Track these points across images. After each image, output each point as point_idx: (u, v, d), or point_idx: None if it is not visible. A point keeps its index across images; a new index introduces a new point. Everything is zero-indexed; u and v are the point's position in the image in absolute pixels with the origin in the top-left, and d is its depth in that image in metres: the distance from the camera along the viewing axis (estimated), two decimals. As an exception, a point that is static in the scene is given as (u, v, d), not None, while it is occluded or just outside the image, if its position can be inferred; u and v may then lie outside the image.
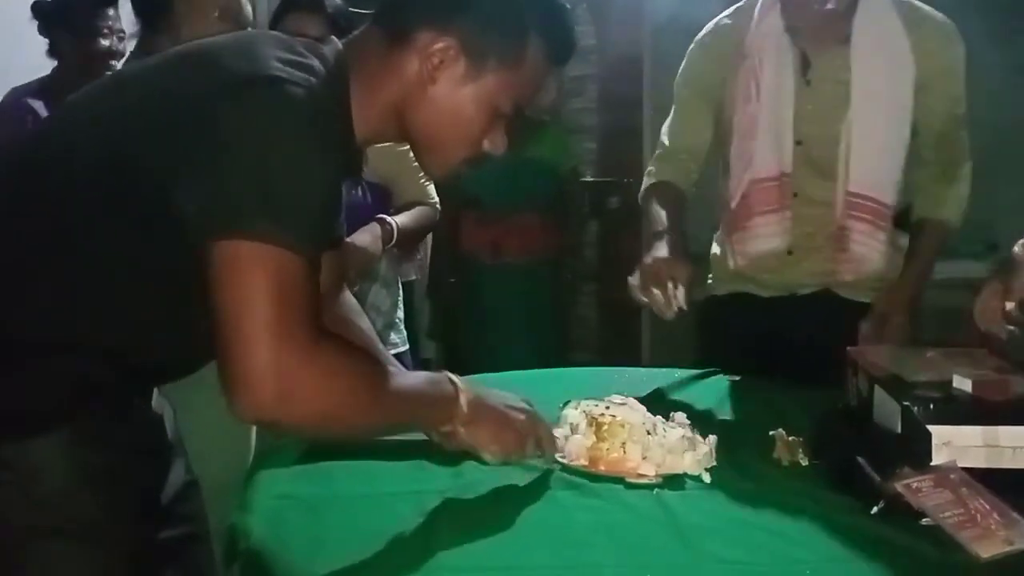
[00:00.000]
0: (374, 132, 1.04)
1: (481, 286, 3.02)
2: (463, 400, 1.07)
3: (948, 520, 0.93)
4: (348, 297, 1.27)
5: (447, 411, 1.07)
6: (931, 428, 1.05)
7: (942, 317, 2.32)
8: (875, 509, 0.99)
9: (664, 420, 1.18)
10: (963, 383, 1.11)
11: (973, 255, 2.63)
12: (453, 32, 0.99)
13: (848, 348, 1.34)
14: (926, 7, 1.58)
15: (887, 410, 1.15)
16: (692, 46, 1.70)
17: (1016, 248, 1.39)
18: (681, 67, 1.70)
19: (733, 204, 1.60)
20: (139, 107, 0.96)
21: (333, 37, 1.04)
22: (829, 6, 1.48)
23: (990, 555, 0.89)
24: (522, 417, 1.12)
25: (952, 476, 1.00)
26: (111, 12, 2.47)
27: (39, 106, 2.31)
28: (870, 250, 1.54)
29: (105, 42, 2.42)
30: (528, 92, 1.06)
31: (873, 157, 1.53)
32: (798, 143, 1.56)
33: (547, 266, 3.06)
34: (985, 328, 1.31)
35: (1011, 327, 1.29)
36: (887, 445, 1.11)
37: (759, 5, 1.59)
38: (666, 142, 1.70)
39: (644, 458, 1.08)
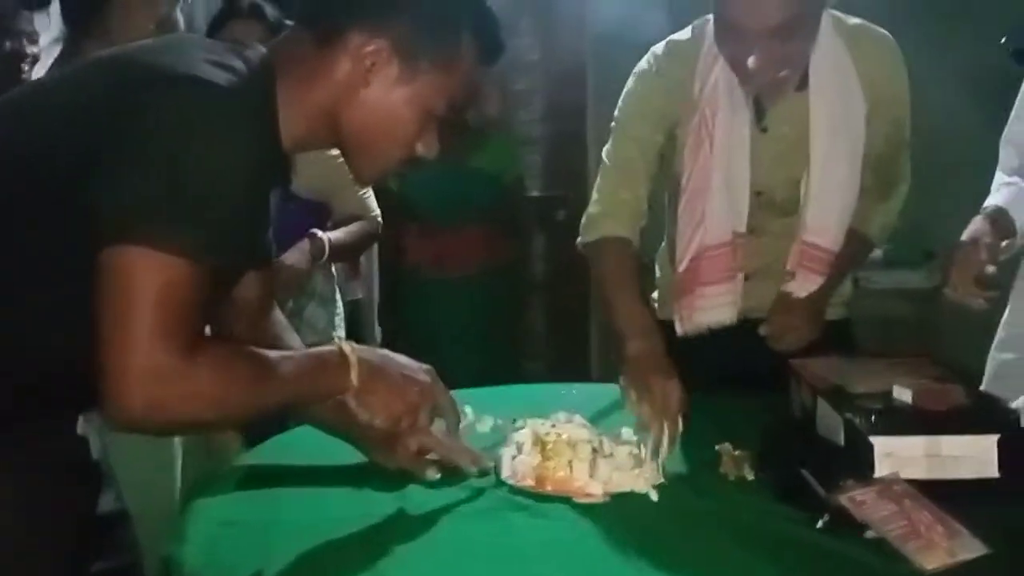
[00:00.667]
0: (303, 137, 1.00)
1: (428, 300, 2.99)
2: (354, 369, 1.02)
3: (892, 532, 0.93)
4: (277, 314, 1.23)
5: (336, 381, 1.01)
6: (873, 440, 1.06)
7: (882, 326, 2.37)
8: (820, 523, 0.99)
9: (611, 437, 1.17)
10: (903, 393, 1.12)
11: (910, 264, 2.70)
12: (385, 34, 0.97)
13: (790, 360, 1.35)
14: (863, 24, 1.49)
15: (830, 422, 1.16)
16: (636, 78, 1.52)
17: (975, 221, 1.41)
18: (625, 102, 1.53)
19: (681, 267, 1.48)
20: (57, 106, 0.92)
21: (256, 43, 1.01)
22: (783, 73, 1.37)
23: (934, 567, 0.89)
24: (418, 385, 1.08)
25: (895, 488, 1.01)
26: (24, 13, 2.44)
27: None
28: (807, 291, 1.48)
29: (12, 44, 2.40)
30: (461, 94, 1.05)
31: (831, 209, 1.45)
32: (758, 193, 1.47)
33: (494, 278, 3.04)
34: (962, 297, 1.32)
35: (989, 293, 1.31)
36: (831, 457, 1.11)
37: (704, 48, 1.44)
38: (612, 176, 1.51)
39: (591, 476, 1.07)
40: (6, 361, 0.91)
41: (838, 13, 1.45)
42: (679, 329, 1.48)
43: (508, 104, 3.19)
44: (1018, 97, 1.56)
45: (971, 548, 0.92)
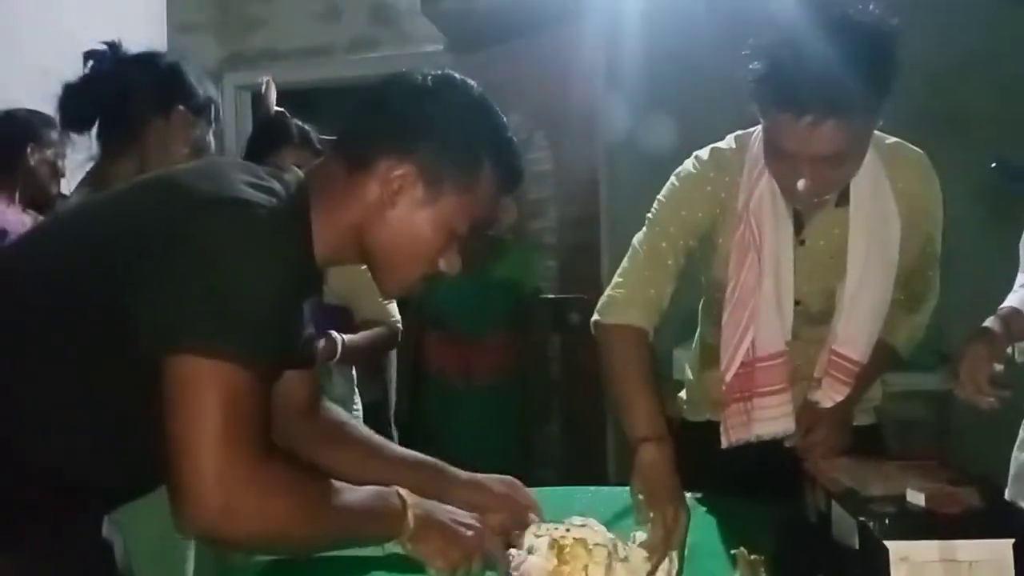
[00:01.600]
0: (334, 253, 1.08)
1: (450, 407, 3.01)
2: (410, 515, 1.07)
3: (909, 639, 0.93)
4: (330, 407, 1.30)
5: (394, 526, 1.07)
6: (888, 544, 1.06)
7: (896, 427, 2.36)
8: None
9: (625, 540, 1.17)
10: (916, 497, 1.12)
11: (925, 367, 2.70)
12: (412, 160, 1.06)
13: (804, 463, 1.36)
14: (899, 142, 1.52)
15: (844, 526, 1.15)
16: (678, 180, 1.54)
17: (988, 321, 1.44)
18: (664, 200, 1.53)
19: (728, 376, 1.48)
20: (100, 226, 1.00)
21: (293, 166, 1.09)
22: (828, 196, 1.42)
23: (952, 674, 0.88)
24: (470, 532, 1.12)
25: (912, 593, 1.00)
26: (52, 128, 2.59)
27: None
28: (833, 400, 1.50)
29: (39, 157, 2.54)
30: (481, 215, 1.12)
31: (862, 321, 1.47)
32: (796, 303, 1.49)
33: (513, 383, 3.06)
34: (972, 396, 1.33)
35: (999, 392, 1.32)
36: (846, 562, 1.11)
37: (748, 161, 1.47)
38: (640, 267, 1.50)
39: (610, 583, 1.07)
40: (42, 460, 0.95)
41: (877, 132, 1.47)
42: (725, 440, 1.49)
43: (523, 213, 3.28)
44: None
45: (990, 655, 0.91)
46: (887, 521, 1.09)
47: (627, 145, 3.22)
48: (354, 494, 1.04)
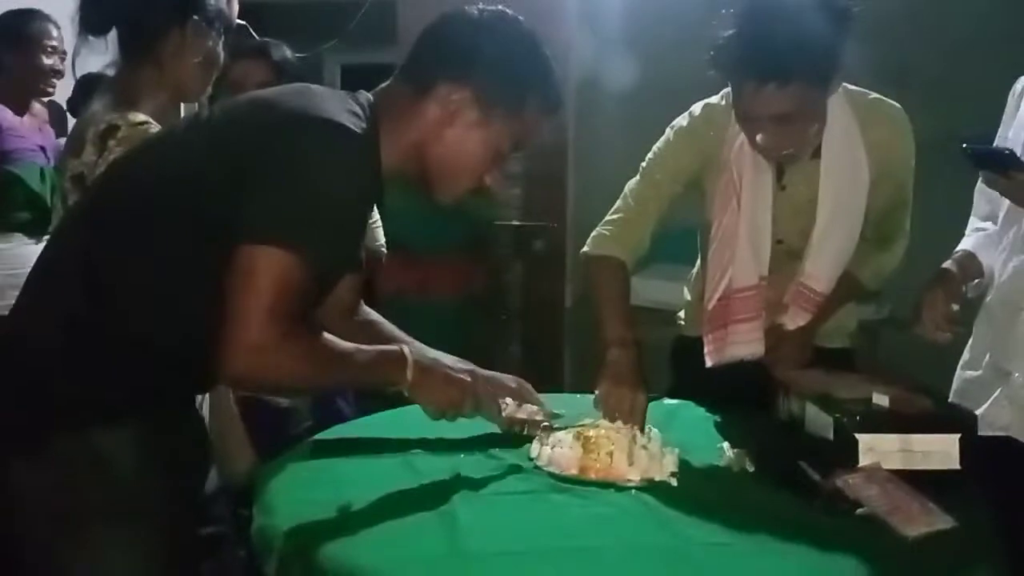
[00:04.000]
0: (396, 166, 1.22)
1: (406, 326, 3.14)
2: (410, 362, 1.25)
3: (879, 508, 1.14)
4: (367, 309, 1.48)
5: (396, 373, 1.25)
6: (858, 436, 1.27)
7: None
8: (818, 502, 1.19)
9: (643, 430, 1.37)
10: (881, 399, 1.33)
11: (861, 300, 2.96)
12: (468, 86, 1.20)
13: (777, 373, 1.56)
14: (877, 98, 1.67)
15: (819, 422, 1.36)
16: (672, 132, 1.74)
17: (947, 264, 1.64)
18: (657, 149, 1.75)
19: (710, 306, 1.68)
20: (211, 139, 1.13)
21: (363, 90, 1.21)
22: (786, 152, 1.58)
23: (915, 535, 1.10)
24: (464, 380, 1.32)
25: (878, 474, 1.21)
26: (55, 32, 2.61)
27: None
28: (796, 324, 1.70)
29: (48, 60, 2.62)
30: (525, 137, 1.28)
31: (827, 261, 1.67)
32: (779, 242, 1.68)
33: (473, 306, 3.20)
34: (931, 334, 1.53)
35: (955, 328, 1.52)
36: (821, 451, 1.31)
37: (735, 117, 1.61)
38: (629, 207, 1.74)
39: (631, 464, 1.25)
40: (159, 337, 1.10)
41: (857, 88, 1.67)
42: (709, 360, 1.69)
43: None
44: None
45: (942, 521, 1.12)
46: (857, 418, 1.30)
47: (595, 81, 3.34)
48: (363, 352, 1.22)
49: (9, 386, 1.11)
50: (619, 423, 1.42)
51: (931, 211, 1.78)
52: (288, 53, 2.38)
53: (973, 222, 1.73)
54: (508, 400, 1.39)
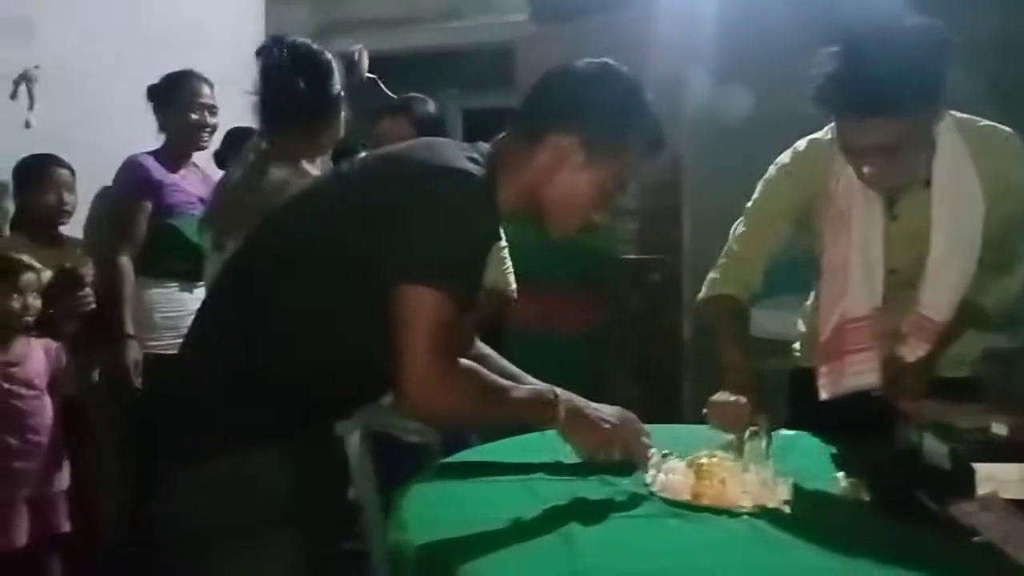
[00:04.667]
0: (513, 208, 1.34)
1: (531, 355, 3.24)
2: (561, 407, 1.39)
3: (995, 535, 1.14)
4: (480, 344, 1.60)
5: (548, 414, 1.39)
6: (975, 465, 1.27)
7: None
8: (933, 530, 1.20)
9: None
10: (1000, 428, 1.32)
11: (996, 328, 2.85)
12: (575, 133, 1.32)
13: (899, 403, 1.57)
14: (989, 125, 1.69)
15: (936, 452, 1.36)
16: (775, 170, 1.81)
17: None
18: (761, 188, 1.82)
19: (824, 337, 1.71)
20: (351, 192, 1.28)
21: (481, 141, 1.33)
22: (893, 183, 1.61)
23: (1031, 562, 1.10)
24: (611, 424, 1.42)
25: (995, 503, 1.21)
26: (206, 90, 2.87)
27: (149, 162, 2.85)
28: (916, 355, 1.70)
29: (195, 116, 2.86)
30: (628, 176, 1.40)
31: (944, 290, 1.67)
32: (892, 271, 1.69)
33: (593, 339, 3.28)
34: None
35: None
36: (939, 481, 1.32)
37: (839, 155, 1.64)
38: (736, 250, 1.83)
39: (744, 492, 1.30)
40: (306, 369, 1.23)
41: (966, 116, 1.68)
42: (823, 393, 1.71)
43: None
44: None
45: (1062, 549, 1.12)
46: (975, 447, 1.30)
47: (706, 114, 3.38)
48: (519, 390, 1.37)
49: (180, 415, 1.27)
50: (731, 455, 1.46)
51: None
52: (430, 107, 2.58)
53: None
54: (654, 450, 1.46)
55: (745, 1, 3.38)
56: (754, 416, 1.55)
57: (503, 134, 1.38)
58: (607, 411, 1.45)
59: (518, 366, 3.41)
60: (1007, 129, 1.70)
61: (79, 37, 3.29)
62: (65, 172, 2.70)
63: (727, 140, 3.53)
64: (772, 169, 1.82)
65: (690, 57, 3.50)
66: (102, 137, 3.03)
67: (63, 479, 2.40)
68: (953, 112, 1.64)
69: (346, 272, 1.22)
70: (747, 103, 3.19)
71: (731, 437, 1.54)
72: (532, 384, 1.54)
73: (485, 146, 1.33)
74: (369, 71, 3.38)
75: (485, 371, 1.31)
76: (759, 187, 1.83)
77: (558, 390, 1.40)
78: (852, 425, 1.63)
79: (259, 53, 1.96)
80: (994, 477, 1.26)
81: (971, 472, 1.27)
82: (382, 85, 3.12)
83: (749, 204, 1.83)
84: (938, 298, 1.68)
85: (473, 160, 1.25)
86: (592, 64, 1.36)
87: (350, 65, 3.71)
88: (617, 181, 1.36)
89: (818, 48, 1.57)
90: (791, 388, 1.94)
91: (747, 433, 1.49)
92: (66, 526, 2.38)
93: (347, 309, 1.21)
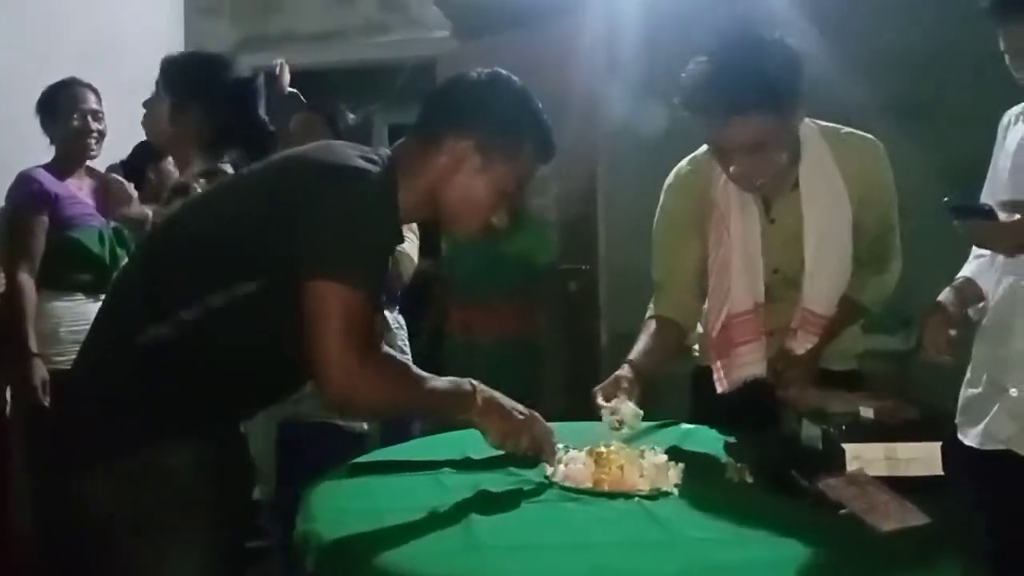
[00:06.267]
0: (412, 210, 1.40)
1: (466, 358, 3.31)
2: (478, 398, 1.45)
3: (857, 507, 1.24)
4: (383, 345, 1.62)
5: (465, 404, 1.44)
6: (845, 446, 1.38)
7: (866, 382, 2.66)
8: (804, 504, 1.30)
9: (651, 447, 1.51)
10: (867, 411, 1.43)
11: (889, 331, 3.02)
12: (470, 137, 1.39)
13: (779, 392, 1.68)
14: (851, 132, 1.80)
15: (812, 435, 1.47)
16: (664, 192, 1.93)
17: (946, 290, 1.74)
18: (658, 213, 1.93)
19: (714, 334, 1.82)
20: (252, 193, 1.33)
21: (382, 148, 1.39)
22: (760, 181, 1.72)
23: (889, 529, 1.20)
24: (522, 419, 1.48)
25: (860, 479, 1.32)
26: (90, 96, 2.88)
27: (41, 175, 2.80)
28: (804, 347, 1.82)
29: (77, 122, 2.83)
30: (523, 180, 1.48)
31: (823, 285, 1.79)
32: (775, 271, 1.81)
33: (521, 342, 3.36)
34: (934, 357, 1.63)
35: (955, 351, 1.62)
36: (814, 461, 1.42)
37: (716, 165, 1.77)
38: (657, 279, 1.92)
39: (641, 476, 1.38)
40: (211, 368, 1.27)
41: (830, 124, 1.81)
42: (719, 387, 1.82)
43: (530, 191, 3.56)
44: (987, 177, 1.82)
45: (916, 518, 1.22)
46: (844, 428, 1.40)
47: (623, 128, 3.51)
48: (437, 380, 1.41)
49: (84, 410, 1.29)
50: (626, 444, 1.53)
51: (960, 242, 1.78)
52: (349, 119, 2.65)
53: (975, 250, 1.83)
54: (561, 445, 1.52)
55: (662, 20, 3.53)
56: (629, 391, 1.66)
57: (402, 139, 1.44)
58: (519, 407, 1.51)
59: (455, 371, 3.52)
60: (870, 136, 1.83)
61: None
62: None
63: (642, 153, 3.66)
64: (662, 193, 1.93)
65: (607, 73, 3.63)
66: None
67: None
68: (817, 121, 1.78)
69: (251, 267, 1.26)
70: (661, 118, 3.31)
71: (613, 416, 1.63)
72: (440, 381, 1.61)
73: (385, 151, 1.39)
74: (293, 85, 3.41)
75: (403, 361, 1.35)
76: (656, 214, 1.93)
77: (475, 382, 1.46)
78: (745, 416, 1.74)
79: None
80: (862, 456, 1.37)
81: (842, 452, 1.37)
82: (303, 99, 3.16)
83: (653, 231, 1.93)
84: (819, 293, 1.80)
85: (370, 161, 1.30)
86: (485, 72, 1.44)
87: (269, 79, 3.75)
88: (512, 184, 1.44)
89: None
90: (692, 386, 2.04)
91: (622, 401, 1.62)
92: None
93: (250, 308, 1.25)
